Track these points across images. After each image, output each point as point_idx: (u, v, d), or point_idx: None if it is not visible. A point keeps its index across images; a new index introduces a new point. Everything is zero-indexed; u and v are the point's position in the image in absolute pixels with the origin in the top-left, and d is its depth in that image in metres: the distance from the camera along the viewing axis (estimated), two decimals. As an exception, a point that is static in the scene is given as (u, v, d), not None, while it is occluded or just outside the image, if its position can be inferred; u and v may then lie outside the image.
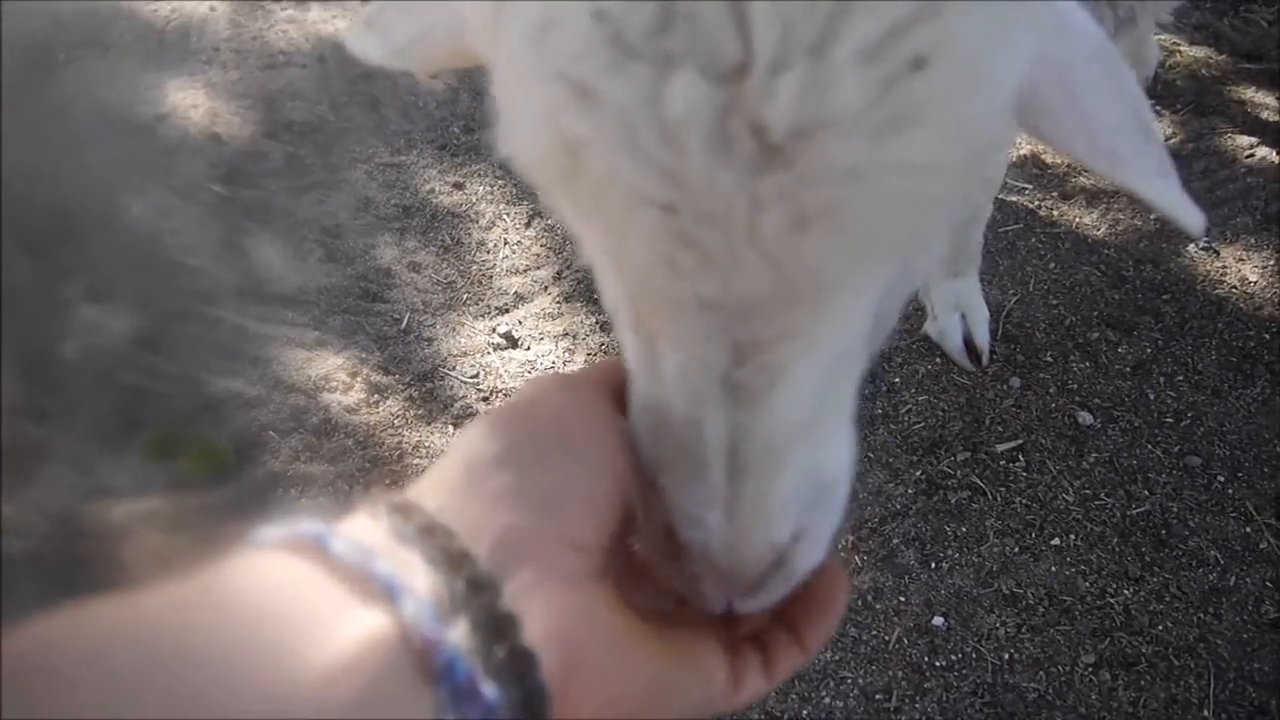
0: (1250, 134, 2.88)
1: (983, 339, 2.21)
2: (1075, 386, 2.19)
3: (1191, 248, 2.53)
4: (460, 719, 0.44)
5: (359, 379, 2.11)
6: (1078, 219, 2.61)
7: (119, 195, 2.36)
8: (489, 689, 0.44)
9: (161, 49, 2.81)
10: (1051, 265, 2.48)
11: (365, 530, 0.49)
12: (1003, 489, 1.99)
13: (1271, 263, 2.48)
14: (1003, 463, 2.04)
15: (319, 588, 0.45)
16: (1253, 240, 2.55)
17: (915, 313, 2.30)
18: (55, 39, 2.82)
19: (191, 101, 2.67)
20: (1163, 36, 3.28)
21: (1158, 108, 3.01)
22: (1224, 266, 2.48)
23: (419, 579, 0.46)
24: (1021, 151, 2.81)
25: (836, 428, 0.62)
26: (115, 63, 2.75)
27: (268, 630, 0.42)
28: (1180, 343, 2.28)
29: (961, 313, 2.22)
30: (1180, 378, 2.21)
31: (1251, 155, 2.81)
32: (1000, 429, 2.10)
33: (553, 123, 0.49)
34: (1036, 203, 2.66)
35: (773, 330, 0.53)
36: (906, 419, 2.11)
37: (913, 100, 0.45)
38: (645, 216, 0.49)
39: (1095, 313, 2.35)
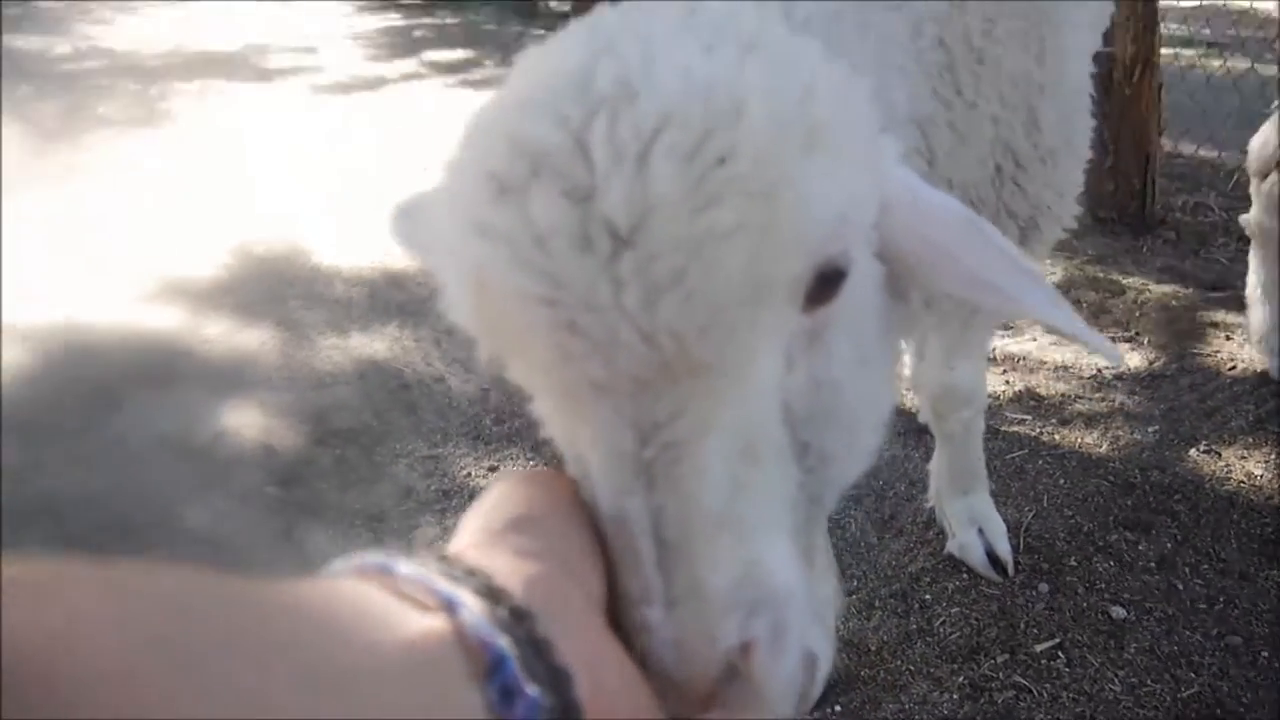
0: (1228, 351, 3.06)
1: (1004, 549, 2.28)
2: (1103, 586, 2.23)
3: (1194, 451, 2.64)
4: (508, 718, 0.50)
5: None
6: (1079, 440, 2.74)
7: (177, 507, 2.54)
8: (533, 690, 0.50)
9: (218, 381, 3.11)
10: (1061, 481, 2.58)
11: (419, 566, 0.57)
12: (1048, 685, 1.99)
13: (1273, 457, 2.58)
14: (1044, 661, 2.05)
15: (388, 596, 0.53)
16: (1250, 440, 2.66)
17: (938, 535, 2.39)
18: (117, 382, 3.12)
19: (246, 421, 2.93)
20: (1131, 279, 3.55)
21: (1137, 335, 3.22)
22: (1228, 465, 2.58)
23: (471, 601, 0.52)
24: (1016, 388, 2.99)
25: (771, 533, 0.65)
26: (174, 396, 3.04)
27: (348, 609, 0.50)
28: (1199, 535, 2.34)
29: (979, 527, 2.31)
30: (1205, 566, 2.25)
31: (1234, 368, 2.98)
32: (1036, 630, 2.12)
33: (464, 263, 0.64)
34: (1037, 430, 2.80)
35: (664, 408, 0.61)
36: (942, 631, 2.14)
37: (720, 182, 0.58)
38: (536, 315, 0.60)
39: (1111, 518, 2.43)
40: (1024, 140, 1.43)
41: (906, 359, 2.75)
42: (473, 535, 0.61)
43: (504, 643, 0.51)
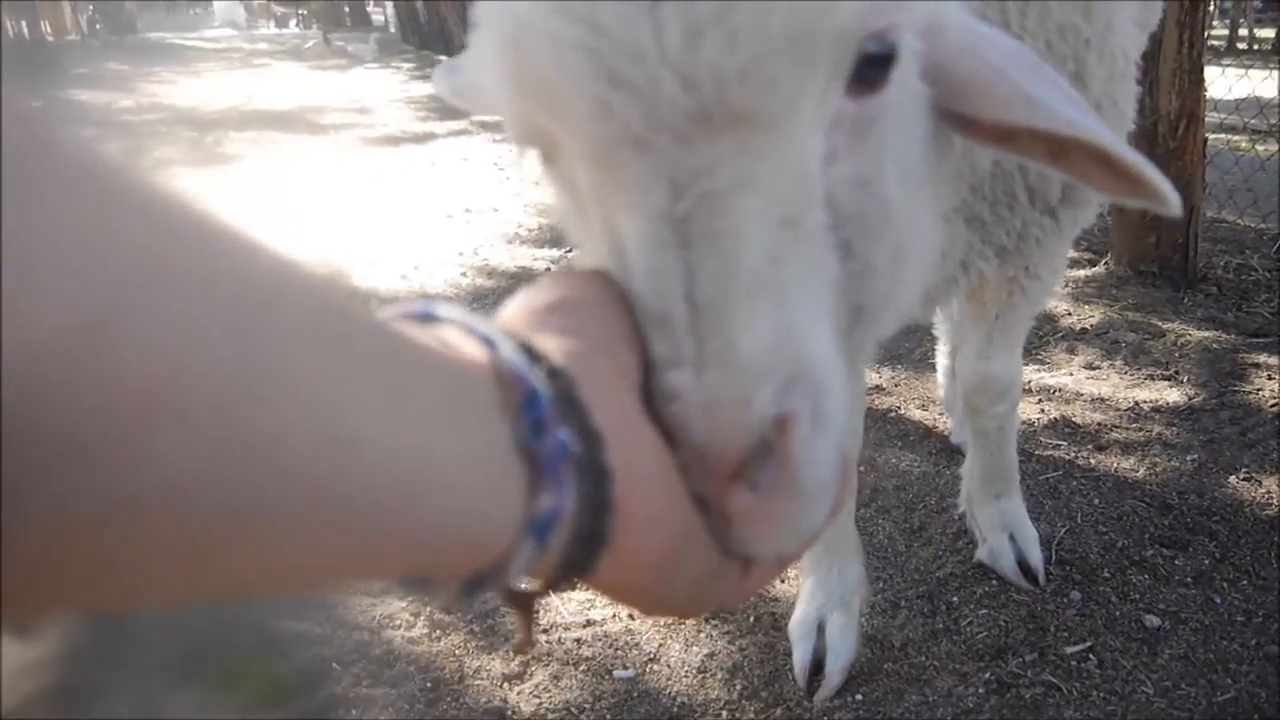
0: (1270, 389, 3.01)
1: (1036, 557, 2.22)
2: (1138, 596, 2.16)
3: (1233, 479, 2.57)
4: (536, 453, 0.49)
5: (421, 618, 2.15)
6: (1115, 464, 2.68)
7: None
8: (563, 432, 0.50)
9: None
10: (1096, 501, 2.52)
11: (462, 311, 0.57)
12: (1077, 684, 1.92)
13: (1316, 487, 2.51)
14: (1074, 663, 1.98)
15: (430, 328, 0.53)
16: (1293, 470, 2.59)
17: (968, 545, 2.33)
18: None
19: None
20: (1171, 324, 3.51)
21: (1177, 374, 3.17)
22: (1268, 493, 2.51)
23: (508, 343, 0.52)
24: (1051, 415, 2.95)
25: (812, 311, 0.63)
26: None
27: (398, 325, 0.50)
28: (1239, 554, 2.27)
29: (1010, 533, 2.25)
30: (1244, 582, 2.18)
31: (1275, 405, 2.92)
32: (1066, 634, 2.05)
33: (502, 24, 0.63)
34: (1072, 454, 2.75)
35: (703, 159, 0.59)
36: (969, 630, 2.07)
37: None
38: (575, 65, 0.59)
39: (1147, 535, 2.36)
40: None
41: (942, 353, 2.73)
42: (514, 315, 0.59)
43: (538, 382, 0.50)
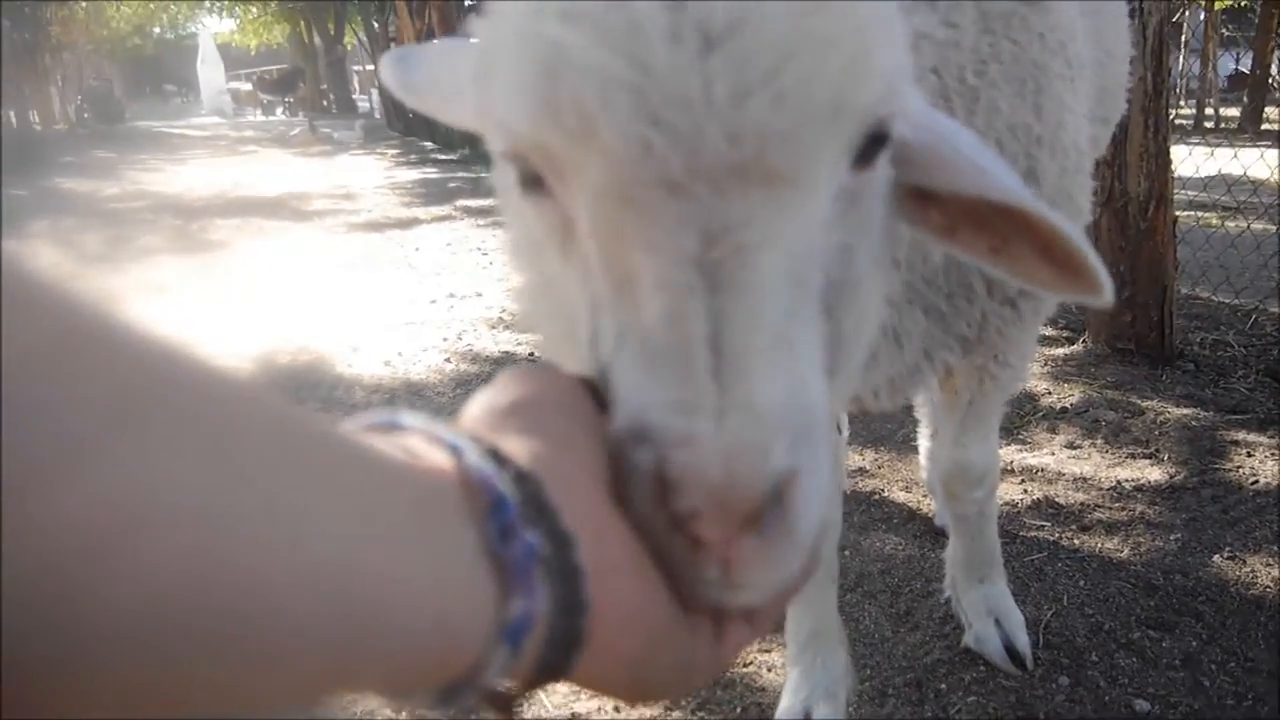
0: (1250, 467, 3.02)
1: (1022, 641, 2.20)
2: (1126, 680, 2.14)
3: (1217, 558, 2.57)
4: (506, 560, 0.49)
5: (404, 713, 2.11)
6: (1100, 545, 2.68)
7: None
8: (531, 535, 0.50)
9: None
10: (1081, 583, 2.51)
11: (426, 420, 0.56)
12: (1069, 772, 1.90)
13: (1300, 565, 2.51)
14: (1064, 750, 1.96)
15: (394, 438, 0.53)
16: (1275, 549, 2.60)
17: (955, 630, 2.32)
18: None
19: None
20: (1150, 402, 3.54)
21: (1157, 452, 3.18)
22: (1253, 571, 2.51)
23: (474, 448, 0.52)
24: (1034, 496, 2.95)
25: (812, 357, 0.64)
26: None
27: (361, 438, 0.51)
28: (1226, 635, 2.26)
29: (995, 618, 2.24)
30: (1233, 664, 2.17)
31: (1256, 482, 2.93)
32: (1056, 721, 2.03)
33: (537, 49, 0.62)
34: (1056, 535, 2.75)
35: (737, 212, 0.60)
36: (958, 718, 2.05)
37: None
38: (618, 102, 0.59)
39: (1133, 617, 2.35)
40: None
41: (924, 435, 2.74)
42: (477, 417, 0.59)
43: (504, 486, 0.51)
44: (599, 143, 0.61)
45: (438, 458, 0.52)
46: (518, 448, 0.55)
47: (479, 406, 0.61)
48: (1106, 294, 0.78)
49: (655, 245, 0.62)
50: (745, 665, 2.24)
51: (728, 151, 0.59)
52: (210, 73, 34.78)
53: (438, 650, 0.47)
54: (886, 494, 3.05)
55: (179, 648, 0.37)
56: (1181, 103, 19.92)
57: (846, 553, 2.69)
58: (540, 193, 0.70)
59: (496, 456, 0.53)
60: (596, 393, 0.66)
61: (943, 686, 2.16)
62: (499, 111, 0.67)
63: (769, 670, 2.21)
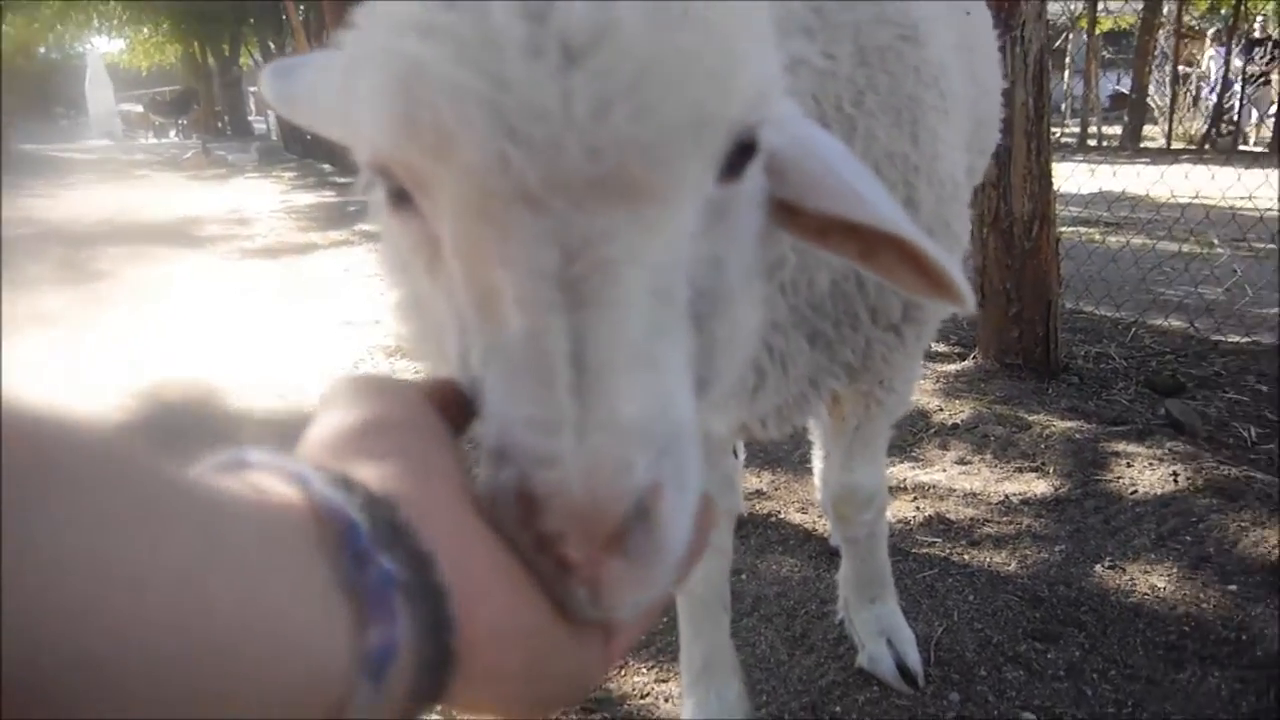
0: (1129, 477, 3.13)
1: (914, 660, 2.24)
2: (1013, 694, 2.19)
3: (1099, 567, 2.65)
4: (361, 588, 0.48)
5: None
6: (988, 559, 2.74)
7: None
8: (386, 561, 0.49)
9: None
10: (970, 598, 2.57)
11: (273, 454, 0.54)
12: (958, 790, 1.93)
13: (1175, 571, 2.60)
14: (954, 767, 1.99)
15: (242, 476, 0.52)
16: (1153, 556, 2.69)
17: (849, 651, 2.34)
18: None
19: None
20: (1036, 416, 3.64)
21: (1043, 465, 3.28)
22: (1132, 579, 2.59)
23: (321, 477, 0.52)
24: (926, 513, 3.01)
25: (681, 381, 0.64)
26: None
27: (207, 480, 0.49)
28: (1107, 644, 2.33)
29: (887, 638, 2.27)
30: (1113, 672, 2.23)
31: (1135, 492, 3.03)
32: (947, 738, 2.07)
33: (394, 62, 0.61)
34: (947, 551, 2.80)
35: (597, 226, 0.60)
36: (852, 741, 2.08)
37: (682, 10, 0.60)
38: (475, 118, 0.58)
39: (1020, 629, 2.41)
40: None
41: (818, 456, 2.77)
42: (324, 443, 0.58)
43: (354, 513, 0.50)
44: (457, 158, 0.60)
45: (286, 491, 0.50)
46: (370, 472, 0.54)
47: (324, 430, 0.59)
48: (968, 304, 0.80)
49: (515, 261, 0.61)
50: (643, 697, 2.23)
51: (587, 165, 0.59)
52: (100, 94, 33.72)
53: (301, 688, 0.46)
54: (783, 515, 3.08)
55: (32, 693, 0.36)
56: (1067, 121, 20.67)
57: (743, 576, 2.70)
58: (407, 209, 0.68)
59: (345, 483, 0.52)
60: (465, 399, 0.65)
61: (838, 709, 2.18)
62: (362, 126, 0.66)
63: (665, 700, 2.21)
